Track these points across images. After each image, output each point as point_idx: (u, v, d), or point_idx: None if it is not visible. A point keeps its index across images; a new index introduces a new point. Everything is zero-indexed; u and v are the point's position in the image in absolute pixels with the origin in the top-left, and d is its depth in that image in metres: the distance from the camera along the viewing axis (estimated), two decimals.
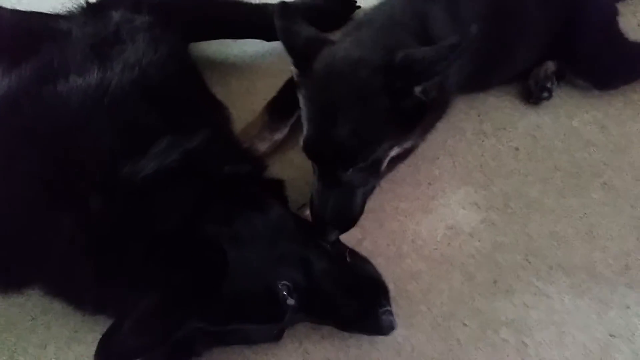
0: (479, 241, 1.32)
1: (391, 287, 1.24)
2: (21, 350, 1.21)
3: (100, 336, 1.16)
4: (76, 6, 1.36)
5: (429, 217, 1.36)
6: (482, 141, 1.48)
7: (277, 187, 1.22)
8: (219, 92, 1.48)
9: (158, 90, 1.20)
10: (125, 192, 1.04)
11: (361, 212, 1.19)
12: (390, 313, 1.12)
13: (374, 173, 1.15)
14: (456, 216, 1.36)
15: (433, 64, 1.00)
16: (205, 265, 1.00)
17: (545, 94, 1.50)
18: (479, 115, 1.52)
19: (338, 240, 1.18)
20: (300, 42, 1.13)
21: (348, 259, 1.16)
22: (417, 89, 1.04)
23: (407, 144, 1.21)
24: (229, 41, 1.65)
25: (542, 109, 1.53)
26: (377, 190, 1.36)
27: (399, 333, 1.19)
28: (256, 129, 1.40)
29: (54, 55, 1.19)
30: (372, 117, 1.05)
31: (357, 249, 1.29)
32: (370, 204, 1.34)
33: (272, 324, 1.09)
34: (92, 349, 1.14)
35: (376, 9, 1.34)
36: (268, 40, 1.58)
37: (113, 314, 1.08)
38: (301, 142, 1.11)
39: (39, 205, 1.06)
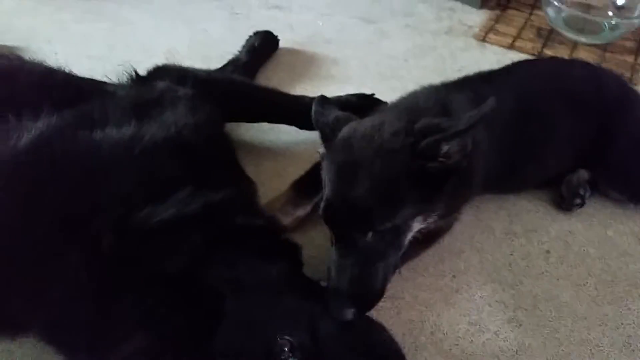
0: (504, 341, 1.22)
1: None
2: None
3: None
4: (126, 75, 1.44)
5: (451, 310, 1.27)
6: (512, 241, 1.42)
7: (291, 249, 1.18)
8: (251, 171, 1.49)
9: (189, 150, 1.22)
10: (138, 234, 1.02)
11: (382, 290, 1.10)
12: None
13: (395, 244, 1.09)
14: (481, 313, 1.27)
15: (454, 126, 1.01)
16: (200, 310, 0.95)
17: (578, 201, 1.47)
18: (509, 216, 1.48)
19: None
20: (330, 119, 1.16)
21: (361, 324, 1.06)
22: (444, 148, 1.02)
23: (430, 221, 1.15)
24: (266, 127, 1.69)
25: (575, 216, 1.48)
26: (397, 278, 1.30)
27: None
28: (280, 203, 1.39)
29: (95, 107, 1.25)
30: (392, 175, 1.02)
31: None
32: (389, 292, 1.26)
33: None
34: None
35: (401, 98, 1.38)
36: (301, 128, 1.63)
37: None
38: (320, 210, 1.08)
39: (50, 242, 1.04)
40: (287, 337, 0.96)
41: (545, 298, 1.30)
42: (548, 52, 2.06)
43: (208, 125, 1.31)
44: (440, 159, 1.03)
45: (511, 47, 2.10)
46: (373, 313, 1.15)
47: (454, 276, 1.34)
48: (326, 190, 1.08)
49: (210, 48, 2.04)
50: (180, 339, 0.93)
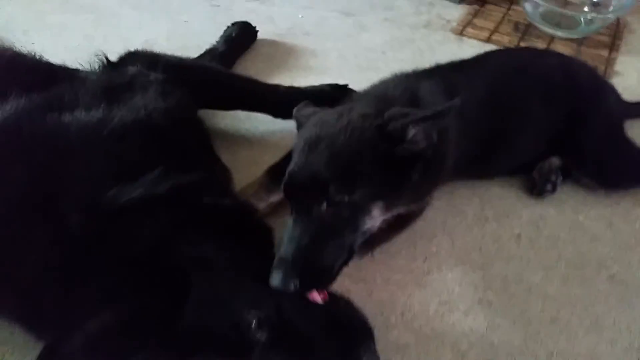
0: (474, 320, 1.23)
1: None
2: None
3: None
4: (97, 61, 1.43)
5: (422, 291, 1.28)
6: (483, 225, 1.44)
7: (261, 230, 1.18)
8: (227, 159, 1.49)
9: (159, 134, 1.23)
10: (107, 213, 1.02)
11: (331, 269, 1.06)
12: (372, 356, 1.01)
13: (351, 224, 1.07)
14: (451, 293, 1.28)
15: (422, 112, 1.04)
16: (166, 288, 0.94)
17: (549, 187, 1.48)
18: (481, 202, 1.50)
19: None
20: (307, 112, 1.21)
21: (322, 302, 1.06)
22: (410, 132, 1.03)
23: (394, 212, 1.17)
24: (242, 115, 1.70)
25: (547, 202, 1.50)
26: (369, 261, 1.33)
27: None
28: (254, 189, 1.40)
29: (65, 91, 1.25)
30: (355, 150, 1.04)
31: None
32: (361, 274, 1.30)
33: (237, 359, 0.98)
34: None
35: (372, 86, 1.40)
36: (275, 116, 1.64)
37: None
38: (282, 183, 1.08)
39: (17, 221, 1.04)
40: (254, 311, 0.96)
41: (515, 280, 1.31)
42: (524, 46, 2.08)
43: (179, 109, 1.31)
44: (406, 145, 1.05)
45: (488, 40, 2.12)
46: (344, 294, 1.16)
47: (425, 258, 1.35)
48: (289, 165, 1.09)
49: (189, 39, 2.04)
50: (146, 316, 0.93)
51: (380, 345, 1.15)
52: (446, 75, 1.41)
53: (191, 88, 1.43)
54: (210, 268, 1.00)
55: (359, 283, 1.28)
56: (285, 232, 1.07)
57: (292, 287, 1.00)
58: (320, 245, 1.04)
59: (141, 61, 1.42)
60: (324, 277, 1.06)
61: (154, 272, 0.97)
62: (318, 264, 1.04)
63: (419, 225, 1.41)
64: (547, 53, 1.80)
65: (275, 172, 1.43)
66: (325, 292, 1.08)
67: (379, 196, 1.09)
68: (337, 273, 1.08)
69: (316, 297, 1.04)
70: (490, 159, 1.46)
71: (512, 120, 1.42)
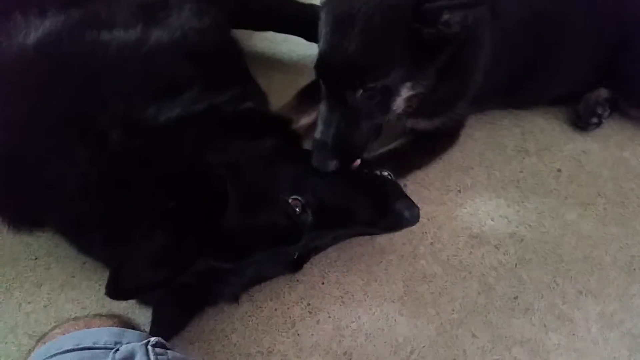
0: (504, 254, 1.22)
1: (399, 285, 1.18)
2: (18, 284, 1.19)
3: (95, 285, 1.17)
4: None
5: (453, 223, 1.28)
6: (523, 158, 1.40)
7: (283, 124, 1.22)
8: (262, 83, 1.47)
9: (196, 53, 1.22)
10: (146, 130, 1.05)
11: (364, 147, 1.12)
12: (410, 203, 1.10)
13: (382, 106, 1.07)
14: (483, 226, 1.27)
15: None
16: (206, 196, 0.98)
17: (595, 120, 1.42)
18: (522, 134, 1.45)
19: None
20: None
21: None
22: (445, 16, 0.98)
23: (419, 89, 1.10)
24: (279, 38, 1.67)
25: (592, 135, 1.44)
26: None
27: (399, 332, 1.11)
28: (285, 110, 1.39)
29: (102, 7, 1.23)
30: (388, 33, 0.99)
31: (371, 242, 1.23)
32: None
33: (291, 243, 1.05)
34: (84, 295, 1.18)
35: None
36: (309, 40, 1.58)
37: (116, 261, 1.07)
38: (314, 64, 1.07)
39: (60, 137, 1.07)
40: (295, 197, 1.03)
41: (550, 216, 1.29)
42: None
43: (213, 29, 1.29)
44: (439, 27, 1.00)
45: None
46: None
47: (459, 191, 1.34)
48: (320, 44, 1.06)
49: None
50: (195, 229, 0.97)
51: (406, 274, 1.20)
52: None
53: (224, 7, 1.40)
54: (240, 166, 1.04)
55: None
56: (320, 115, 1.09)
57: (332, 167, 1.06)
58: (355, 127, 1.07)
59: None
60: (359, 153, 1.13)
61: (193, 185, 1.00)
62: (353, 144, 1.09)
63: (455, 156, 1.39)
64: None
65: (307, 95, 1.42)
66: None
67: (409, 77, 1.06)
68: (370, 148, 1.15)
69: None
70: (531, 83, 1.38)
71: (555, 39, 1.33)
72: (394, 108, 1.09)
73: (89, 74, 1.11)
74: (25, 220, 1.19)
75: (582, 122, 1.43)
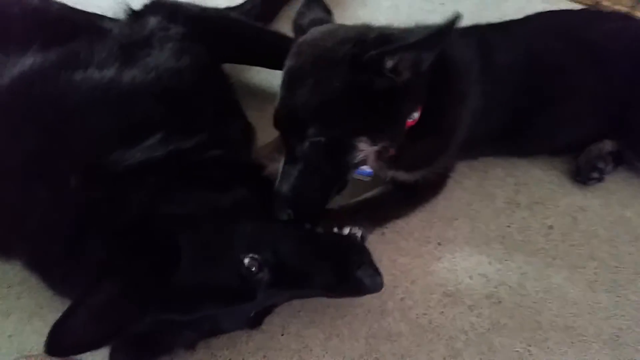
0: (477, 317, 1.15)
1: (361, 343, 1.12)
2: None
3: None
4: (124, 10, 1.42)
5: (427, 278, 1.21)
6: (513, 212, 1.32)
7: (252, 171, 1.20)
8: (254, 115, 1.46)
9: (168, 95, 1.21)
10: (105, 177, 1.04)
11: (323, 199, 1.08)
12: (373, 271, 1.05)
13: (338, 160, 1.04)
14: (459, 284, 1.20)
15: (404, 39, 0.94)
16: (156, 251, 0.96)
17: (595, 175, 1.33)
18: (515, 185, 1.37)
19: None
20: (305, 21, 1.13)
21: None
22: (388, 63, 0.94)
23: (381, 144, 1.05)
24: (276, 72, 1.64)
25: (592, 191, 1.35)
26: (378, 238, 1.26)
27: None
28: (269, 149, 1.36)
29: (82, 47, 1.24)
30: (330, 87, 0.97)
31: None
32: None
33: (244, 302, 1.02)
34: (49, 327, 1.15)
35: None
36: None
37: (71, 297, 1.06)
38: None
39: (22, 178, 1.08)
40: (252, 255, 0.99)
41: (534, 277, 1.21)
42: (606, 4, 1.83)
43: (193, 69, 1.28)
44: (387, 75, 0.95)
45: None
46: None
47: (439, 244, 1.27)
48: (276, 98, 1.05)
49: None
50: (143, 283, 0.95)
51: (370, 331, 1.14)
52: (483, 33, 1.28)
53: (213, 42, 1.39)
54: (197, 221, 1.01)
55: None
56: (279, 166, 1.07)
57: (285, 216, 1.05)
58: (309, 178, 1.05)
59: (163, 11, 1.39)
60: (317, 206, 1.09)
61: (145, 238, 0.98)
62: (310, 194, 1.06)
63: (440, 205, 1.32)
64: (612, 15, 1.56)
65: None
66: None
67: (364, 132, 1.02)
68: (328, 201, 1.11)
69: None
70: (528, 132, 1.31)
71: (555, 90, 1.27)
72: (356, 161, 1.05)
73: (58, 116, 1.12)
74: (3, 249, 1.20)
75: (582, 176, 1.34)
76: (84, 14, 1.45)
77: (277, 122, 1.04)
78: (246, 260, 0.99)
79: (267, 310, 1.11)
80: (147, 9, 1.41)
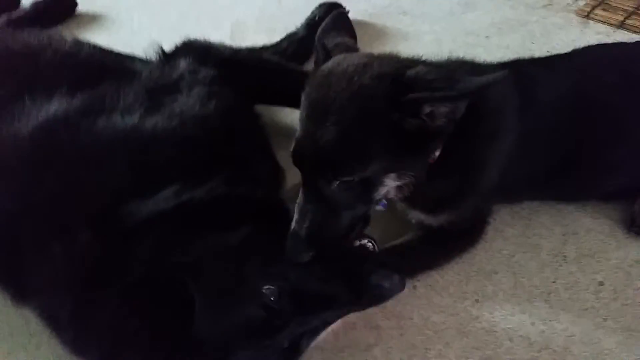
0: None
1: None
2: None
3: None
4: (156, 52, 1.42)
5: (463, 340, 1.12)
6: (560, 265, 1.21)
7: (270, 205, 1.15)
8: (285, 155, 1.41)
9: (192, 142, 1.19)
10: (116, 231, 1.01)
11: (345, 237, 1.03)
12: (385, 273, 1.01)
13: (363, 197, 0.98)
14: (498, 348, 1.10)
15: (446, 90, 0.89)
16: (169, 304, 0.93)
17: None
18: (563, 235, 1.26)
19: None
20: (330, 43, 1.08)
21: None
22: (426, 109, 0.89)
23: (406, 180, 1.01)
24: None
25: None
26: (409, 294, 1.18)
27: None
28: (298, 187, 1.31)
29: (108, 92, 1.24)
30: (364, 125, 0.90)
31: (365, 354, 1.11)
32: (396, 309, 1.17)
33: (275, 334, 0.96)
34: None
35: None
36: None
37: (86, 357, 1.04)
38: (291, 149, 1.00)
39: (34, 229, 1.07)
40: (268, 287, 0.96)
41: (582, 340, 1.10)
42: None
43: (220, 114, 1.25)
44: (422, 118, 0.90)
45: (621, 25, 1.76)
46: (371, 331, 1.06)
47: (477, 300, 1.17)
48: (298, 129, 0.99)
49: (279, 19, 1.95)
50: (165, 342, 0.93)
51: None
52: (524, 67, 1.19)
53: (243, 84, 1.37)
54: (208, 269, 0.97)
55: (391, 319, 1.16)
56: (297, 204, 1.01)
57: (305, 258, 0.99)
58: (332, 219, 0.99)
59: (194, 53, 1.38)
60: (337, 244, 1.04)
61: (155, 293, 0.94)
62: (330, 235, 1.00)
63: (479, 257, 1.23)
64: None
65: None
66: None
67: (392, 169, 0.97)
68: (352, 239, 1.07)
69: None
70: (574, 175, 1.21)
71: (607, 129, 1.17)
72: (380, 197, 1.00)
73: (76, 165, 1.11)
74: (21, 296, 1.19)
75: (636, 227, 1.23)
76: (114, 56, 1.45)
77: (298, 159, 0.98)
78: (265, 290, 0.95)
79: (300, 343, 1.03)
80: (178, 51, 1.40)
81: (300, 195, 1.00)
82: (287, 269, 0.99)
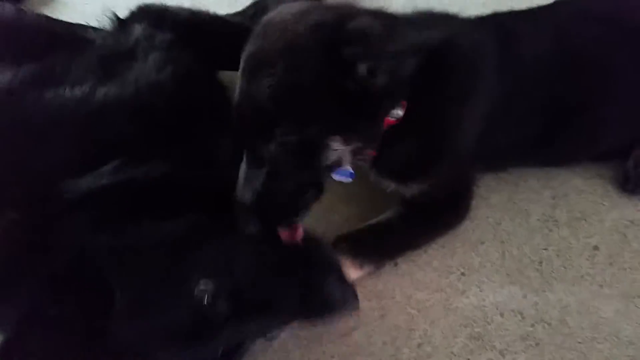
0: None
1: None
2: None
3: None
4: (110, 19, 1.30)
5: (450, 317, 1.03)
6: (550, 230, 1.13)
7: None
8: None
9: (147, 112, 1.08)
10: (45, 212, 0.92)
11: (295, 206, 0.92)
12: (342, 284, 0.91)
13: (308, 162, 0.88)
14: (488, 324, 1.01)
15: (383, 42, 0.80)
16: (89, 300, 0.83)
17: None
18: (553, 198, 1.17)
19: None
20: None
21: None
22: (361, 68, 0.79)
23: (356, 145, 0.90)
24: None
25: None
26: (389, 270, 1.09)
27: None
28: None
29: (58, 62, 1.14)
30: (299, 80, 0.81)
31: (345, 339, 1.02)
32: (376, 288, 1.08)
33: (203, 343, 0.85)
34: None
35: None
36: None
37: None
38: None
39: None
40: (203, 287, 0.84)
41: (579, 310, 1.01)
42: None
43: (178, 80, 1.14)
44: (361, 78, 0.80)
45: None
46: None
47: (463, 274, 1.08)
48: (235, 91, 0.89)
49: None
50: (76, 333, 0.83)
51: None
52: (503, 21, 1.10)
53: (204, 48, 1.26)
54: (137, 259, 0.87)
55: (371, 299, 1.06)
56: (240, 171, 0.92)
57: (253, 228, 0.90)
58: (277, 183, 0.89)
59: (149, 18, 1.27)
60: (288, 214, 0.93)
61: (75, 283, 0.85)
62: (279, 201, 0.90)
63: (464, 227, 1.14)
64: None
65: None
66: (299, 230, 0.94)
67: (336, 131, 0.87)
68: (304, 209, 0.94)
69: (285, 235, 0.93)
70: (563, 138, 1.11)
71: (594, 85, 1.07)
72: (330, 162, 0.89)
73: (16, 140, 1.01)
74: None
75: (630, 185, 1.14)
76: (64, 24, 1.33)
77: (237, 118, 0.88)
78: (200, 288, 0.84)
79: (235, 353, 0.95)
80: (133, 16, 1.29)
81: (243, 160, 0.91)
82: (232, 260, 0.89)
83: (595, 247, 1.09)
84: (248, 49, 0.87)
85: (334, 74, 0.80)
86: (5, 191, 0.94)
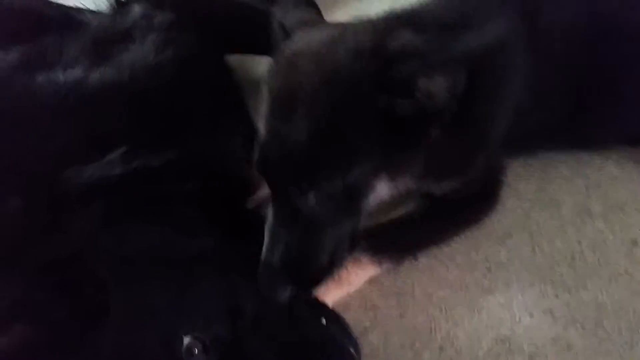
0: None
1: None
2: None
3: None
4: (108, 0, 1.25)
5: (475, 318, 0.95)
6: (584, 223, 1.04)
7: (249, 223, 0.93)
8: None
9: (146, 97, 1.02)
10: (52, 199, 0.86)
11: (331, 265, 0.83)
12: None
13: (349, 210, 0.80)
14: (516, 325, 0.94)
15: (442, 52, 0.71)
16: (82, 305, 0.76)
17: None
18: (586, 188, 1.08)
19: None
20: (291, 19, 0.88)
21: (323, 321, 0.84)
22: (419, 86, 0.70)
23: (404, 183, 0.84)
24: None
25: None
26: (409, 266, 1.02)
27: None
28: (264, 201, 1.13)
29: (50, 45, 1.08)
30: (344, 114, 0.72)
31: (360, 340, 0.93)
32: (395, 285, 1.01)
33: None
34: None
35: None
36: None
37: None
38: (255, 156, 0.80)
39: None
40: (195, 335, 0.74)
41: (616, 311, 0.93)
42: None
43: (178, 63, 1.08)
44: (417, 97, 0.71)
45: None
46: (367, 312, 0.90)
47: (489, 269, 1.00)
48: (261, 130, 0.79)
49: None
50: (61, 334, 0.76)
51: None
52: None
53: (208, 29, 1.19)
54: (140, 273, 0.80)
55: (389, 297, 0.99)
56: (267, 226, 0.81)
57: (285, 296, 0.80)
58: (313, 242, 0.80)
59: None
60: (323, 274, 0.84)
61: (71, 284, 0.78)
62: (313, 262, 0.81)
63: (490, 219, 1.06)
64: None
65: None
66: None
67: (384, 167, 0.79)
68: (339, 265, 0.86)
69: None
70: (595, 117, 1.03)
71: (628, 55, 0.98)
72: (370, 208, 0.81)
73: (9, 127, 0.95)
74: None
75: None
76: (56, 6, 1.27)
77: (264, 167, 0.79)
78: (187, 341, 0.74)
79: None
80: None
81: (269, 214, 0.81)
82: (246, 303, 0.79)
83: (634, 242, 1.00)
84: (275, 83, 0.78)
85: (384, 101, 0.72)
86: (8, 178, 0.88)
